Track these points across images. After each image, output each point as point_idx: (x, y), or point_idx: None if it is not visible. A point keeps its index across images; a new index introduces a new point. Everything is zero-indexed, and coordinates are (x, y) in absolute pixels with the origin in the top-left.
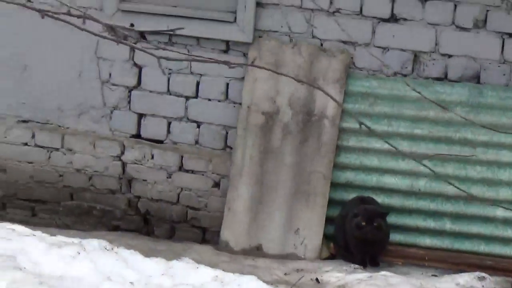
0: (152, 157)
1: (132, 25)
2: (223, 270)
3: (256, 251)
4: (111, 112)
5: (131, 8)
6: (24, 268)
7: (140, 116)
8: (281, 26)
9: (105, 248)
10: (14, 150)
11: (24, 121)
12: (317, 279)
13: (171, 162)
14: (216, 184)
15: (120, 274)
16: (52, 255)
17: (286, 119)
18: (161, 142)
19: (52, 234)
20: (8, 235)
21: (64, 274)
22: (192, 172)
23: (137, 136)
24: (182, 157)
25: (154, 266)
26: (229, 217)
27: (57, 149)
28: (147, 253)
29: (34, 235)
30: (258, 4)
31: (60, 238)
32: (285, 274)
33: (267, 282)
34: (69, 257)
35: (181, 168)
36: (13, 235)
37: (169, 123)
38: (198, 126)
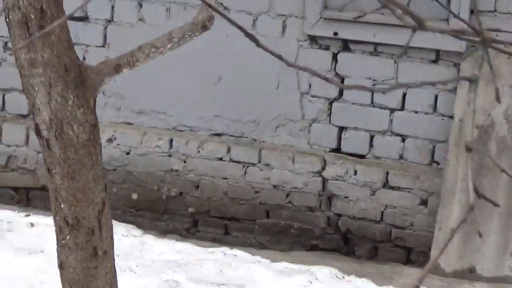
0: (355, 173)
1: (335, 33)
2: None
3: (469, 274)
4: (310, 125)
5: (335, 16)
6: None
7: (341, 129)
8: (496, 35)
9: (337, 277)
10: (208, 165)
11: (217, 135)
12: None
13: (375, 178)
14: (423, 202)
15: None
16: (282, 284)
17: (502, 133)
18: (362, 156)
19: (274, 260)
20: (233, 261)
21: None
22: (398, 189)
23: (337, 150)
24: (387, 173)
25: None
26: (440, 237)
27: (253, 164)
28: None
29: (259, 261)
30: (472, 12)
31: (284, 265)
32: None
33: None
34: (301, 286)
35: (385, 184)
36: (237, 262)
37: (372, 137)
38: (403, 140)
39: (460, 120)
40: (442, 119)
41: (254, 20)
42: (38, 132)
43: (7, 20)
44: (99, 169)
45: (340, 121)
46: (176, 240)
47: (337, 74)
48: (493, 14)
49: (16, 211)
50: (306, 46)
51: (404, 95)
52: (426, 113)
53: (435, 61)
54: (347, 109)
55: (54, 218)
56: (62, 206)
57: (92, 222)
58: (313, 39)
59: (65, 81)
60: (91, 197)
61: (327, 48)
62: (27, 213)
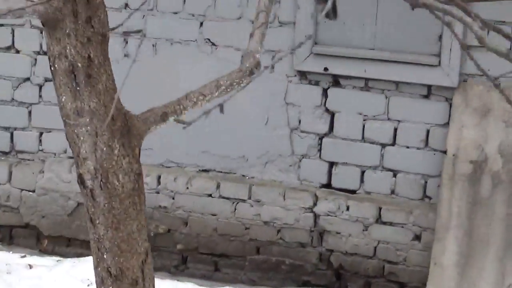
0: (348, 209)
1: (326, 69)
2: None
3: None
4: (300, 160)
5: (325, 51)
6: None
7: (331, 164)
8: (488, 70)
9: None
10: (197, 202)
11: (205, 171)
12: None
13: (368, 213)
14: (417, 237)
15: None
16: None
17: (496, 168)
18: (353, 192)
19: None
20: None
21: None
22: (391, 224)
23: (327, 186)
24: (379, 208)
25: None
26: (436, 272)
27: (243, 200)
28: None
29: None
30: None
31: None
32: None
33: None
34: None
35: (378, 220)
36: None
37: (363, 172)
38: (394, 175)
39: (453, 155)
40: (434, 154)
41: (242, 56)
42: (82, 182)
43: (52, 68)
44: (143, 219)
45: (331, 156)
46: (178, 280)
47: (327, 110)
48: (485, 49)
49: (11, 252)
50: (295, 82)
51: (395, 130)
52: (418, 148)
53: (426, 96)
54: (337, 145)
55: (96, 269)
56: (105, 256)
57: (136, 273)
58: (302, 74)
59: (111, 130)
60: (135, 247)
61: (317, 83)
62: (22, 255)
